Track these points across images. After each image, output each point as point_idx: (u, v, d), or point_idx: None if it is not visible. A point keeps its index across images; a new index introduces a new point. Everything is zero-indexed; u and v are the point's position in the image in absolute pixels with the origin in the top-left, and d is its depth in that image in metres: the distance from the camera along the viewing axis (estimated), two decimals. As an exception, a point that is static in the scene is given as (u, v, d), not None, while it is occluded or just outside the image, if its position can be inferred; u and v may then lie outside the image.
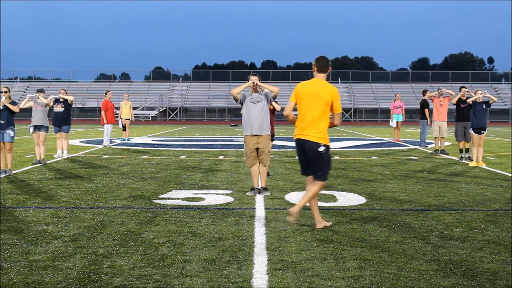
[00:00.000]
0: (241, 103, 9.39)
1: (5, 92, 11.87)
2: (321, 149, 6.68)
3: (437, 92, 17.39)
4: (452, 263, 5.33)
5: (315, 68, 6.92)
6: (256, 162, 9.33)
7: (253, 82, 9.20)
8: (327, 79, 6.96)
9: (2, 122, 11.62)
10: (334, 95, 6.76)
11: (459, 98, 15.39)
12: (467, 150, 15.29)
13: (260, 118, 9.21)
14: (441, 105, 17.25)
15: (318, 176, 6.77)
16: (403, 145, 21.12)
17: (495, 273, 5.05)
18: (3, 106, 11.65)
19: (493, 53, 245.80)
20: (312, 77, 7.10)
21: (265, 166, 9.36)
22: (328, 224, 6.90)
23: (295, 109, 7.03)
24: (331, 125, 6.86)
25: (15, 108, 11.73)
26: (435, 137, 17.27)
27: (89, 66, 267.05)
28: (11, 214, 7.51)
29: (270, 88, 9.31)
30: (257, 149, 9.29)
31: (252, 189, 9.36)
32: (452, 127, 17.03)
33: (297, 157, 7.02)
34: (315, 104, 6.73)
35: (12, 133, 11.75)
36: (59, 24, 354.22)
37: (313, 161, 6.76)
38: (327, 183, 10.61)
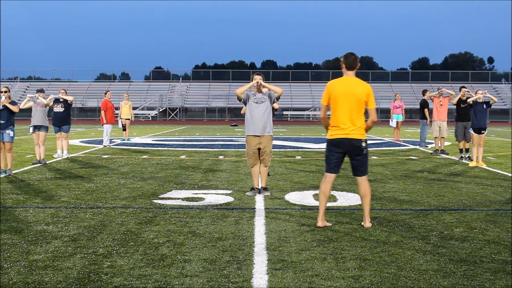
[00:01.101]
0: (245, 103, 9.39)
1: (5, 92, 11.87)
2: (364, 144, 6.81)
3: (437, 92, 17.40)
4: (452, 263, 5.33)
5: (344, 65, 6.87)
6: (257, 162, 9.33)
7: (257, 82, 9.20)
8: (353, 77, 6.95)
9: (2, 122, 11.63)
10: (369, 92, 6.80)
11: (459, 98, 15.39)
12: (467, 150, 15.29)
13: (263, 119, 9.19)
14: (441, 105, 17.26)
15: (362, 171, 6.91)
16: (403, 145, 21.13)
17: (495, 273, 5.05)
18: (3, 106, 11.66)
19: (493, 53, 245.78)
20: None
21: (266, 166, 9.36)
22: (329, 224, 6.91)
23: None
24: (369, 123, 6.85)
25: (14, 108, 11.74)
26: (435, 137, 17.27)
27: (89, 66, 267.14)
28: (11, 214, 7.51)
29: (274, 88, 9.31)
30: (259, 149, 9.28)
31: (252, 189, 9.37)
32: (452, 127, 17.03)
33: (330, 155, 6.91)
34: (352, 103, 6.71)
35: (11, 133, 11.75)
36: (59, 24, 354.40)
37: (355, 157, 6.83)
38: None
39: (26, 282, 4.71)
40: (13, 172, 11.84)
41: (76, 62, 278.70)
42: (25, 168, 12.81)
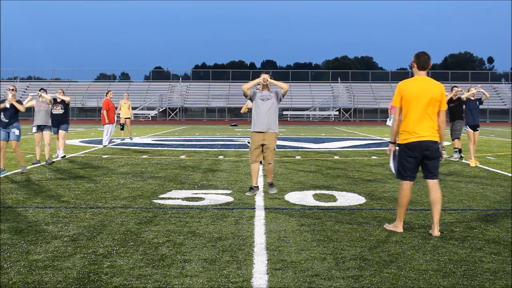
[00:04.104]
0: (251, 99, 9.48)
1: (12, 89, 11.94)
2: (440, 147, 6.56)
3: None
4: (452, 263, 5.33)
5: (415, 65, 6.64)
6: (259, 159, 9.37)
7: (264, 79, 9.30)
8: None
9: (6, 120, 11.70)
10: (443, 92, 6.58)
11: (450, 98, 15.46)
12: (460, 150, 15.39)
13: (268, 115, 9.26)
14: None
15: (435, 174, 6.64)
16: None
17: (495, 273, 5.05)
18: (9, 105, 11.71)
19: (493, 53, 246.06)
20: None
21: (270, 163, 9.39)
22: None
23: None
24: (442, 129, 6.61)
25: (21, 107, 11.80)
26: None
27: (89, 66, 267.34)
28: (11, 214, 7.50)
29: (280, 84, 9.34)
30: (263, 145, 9.31)
31: (251, 188, 9.37)
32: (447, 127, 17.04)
33: (405, 161, 6.61)
34: (427, 103, 6.47)
35: (17, 132, 11.82)
36: (59, 24, 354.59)
37: (430, 160, 6.57)
38: (328, 183, 10.61)
39: (26, 282, 4.71)
40: (25, 170, 11.91)
41: (76, 62, 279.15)
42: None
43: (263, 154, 9.35)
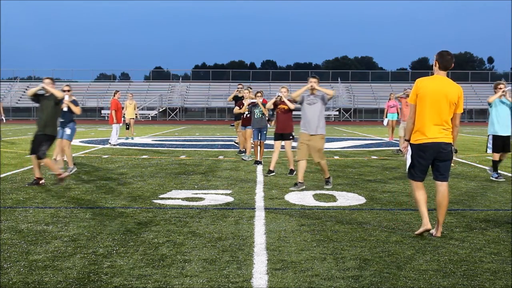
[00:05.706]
0: (301, 104, 10.11)
1: (68, 90, 11.97)
2: (454, 149, 6.39)
3: (403, 93, 17.58)
4: (452, 263, 5.33)
5: (437, 64, 6.38)
6: (305, 157, 9.92)
7: (311, 85, 9.94)
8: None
9: (62, 120, 11.79)
10: (461, 94, 6.36)
11: None
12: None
13: (315, 118, 9.92)
14: (407, 105, 17.38)
15: (445, 176, 6.46)
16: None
17: (495, 273, 5.05)
18: (67, 108, 11.78)
19: (493, 53, 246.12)
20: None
21: (321, 161, 9.92)
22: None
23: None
24: (455, 132, 6.45)
25: (76, 110, 11.81)
26: (400, 137, 17.38)
27: (89, 66, 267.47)
28: (11, 214, 7.50)
29: (326, 91, 10.09)
30: (308, 146, 9.91)
31: (295, 184, 9.90)
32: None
33: (416, 161, 6.44)
34: (442, 103, 6.27)
35: (68, 131, 11.90)
36: (59, 24, 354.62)
37: (442, 162, 6.40)
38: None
39: (26, 282, 4.71)
40: (72, 170, 11.85)
41: (76, 62, 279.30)
42: (25, 168, 12.78)
43: (312, 155, 9.92)
